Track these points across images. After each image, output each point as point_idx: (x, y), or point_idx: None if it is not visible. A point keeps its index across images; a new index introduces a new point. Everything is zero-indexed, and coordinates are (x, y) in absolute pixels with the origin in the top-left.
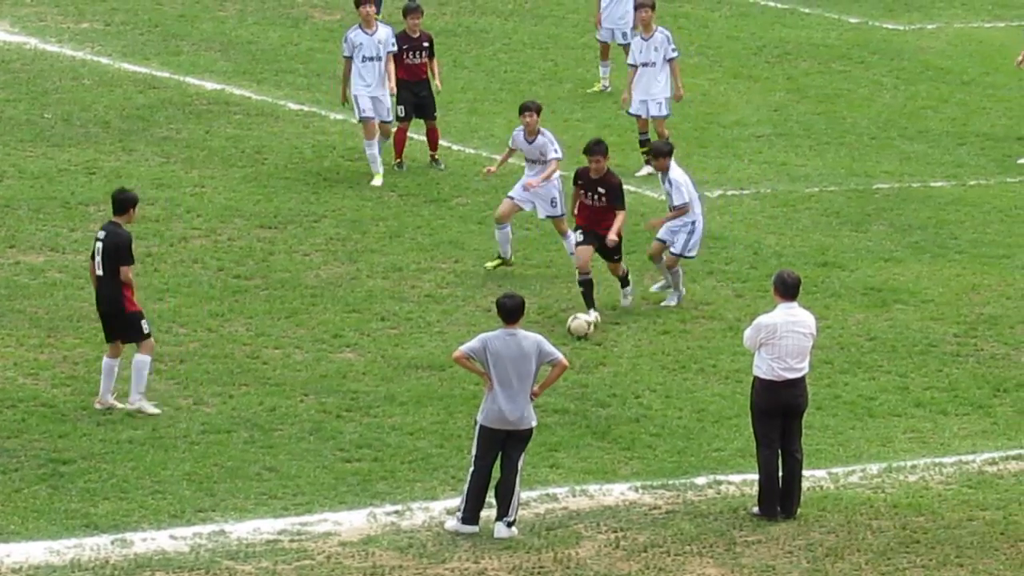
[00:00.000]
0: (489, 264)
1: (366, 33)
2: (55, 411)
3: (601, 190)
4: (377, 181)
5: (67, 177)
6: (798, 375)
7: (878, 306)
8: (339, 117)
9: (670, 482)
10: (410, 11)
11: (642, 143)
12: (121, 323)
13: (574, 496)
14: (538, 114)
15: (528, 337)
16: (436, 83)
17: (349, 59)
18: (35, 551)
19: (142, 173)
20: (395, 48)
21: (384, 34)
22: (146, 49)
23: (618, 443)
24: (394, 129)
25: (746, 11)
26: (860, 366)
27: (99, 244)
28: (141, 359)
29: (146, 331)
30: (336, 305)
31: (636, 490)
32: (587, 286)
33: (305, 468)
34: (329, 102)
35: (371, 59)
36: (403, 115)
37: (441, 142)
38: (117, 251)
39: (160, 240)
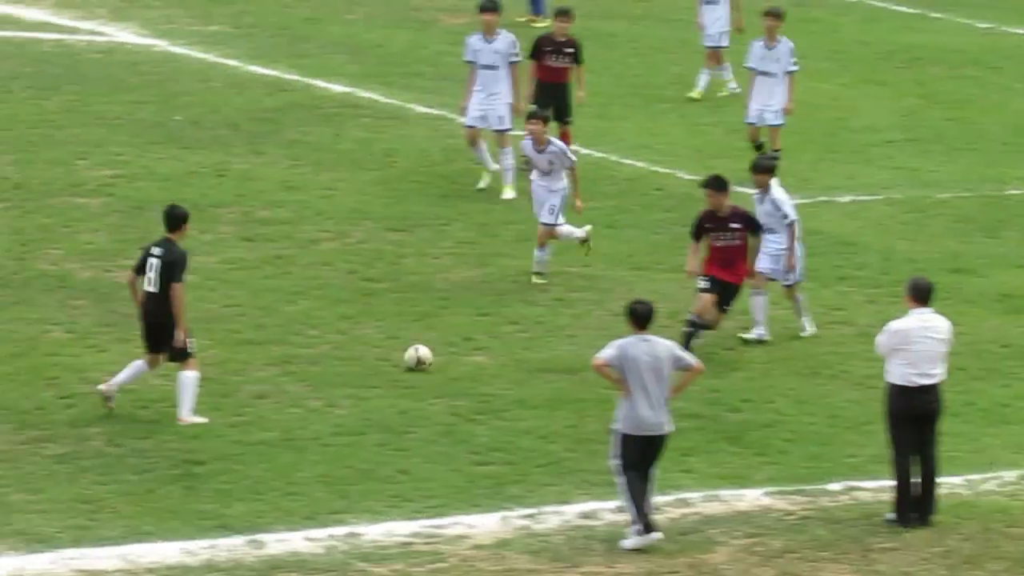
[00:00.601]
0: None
1: (485, 41)
2: None
3: (735, 225)
4: (508, 194)
5: (197, 180)
6: (932, 381)
7: (1012, 312)
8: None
9: (804, 488)
10: (560, 14)
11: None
12: (168, 338)
13: (708, 501)
14: (546, 123)
15: (661, 342)
16: (580, 93)
17: (471, 64)
18: (169, 551)
19: (271, 175)
20: (518, 58)
21: (504, 43)
22: (274, 52)
23: (751, 448)
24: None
25: (875, 16)
26: (995, 373)
27: (153, 260)
28: (189, 375)
29: (191, 350)
30: (467, 308)
31: (770, 495)
32: (696, 330)
33: (437, 471)
34: (457, 105)
35: (487, 67)
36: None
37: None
38: (171, 268)
39: (290, 243)
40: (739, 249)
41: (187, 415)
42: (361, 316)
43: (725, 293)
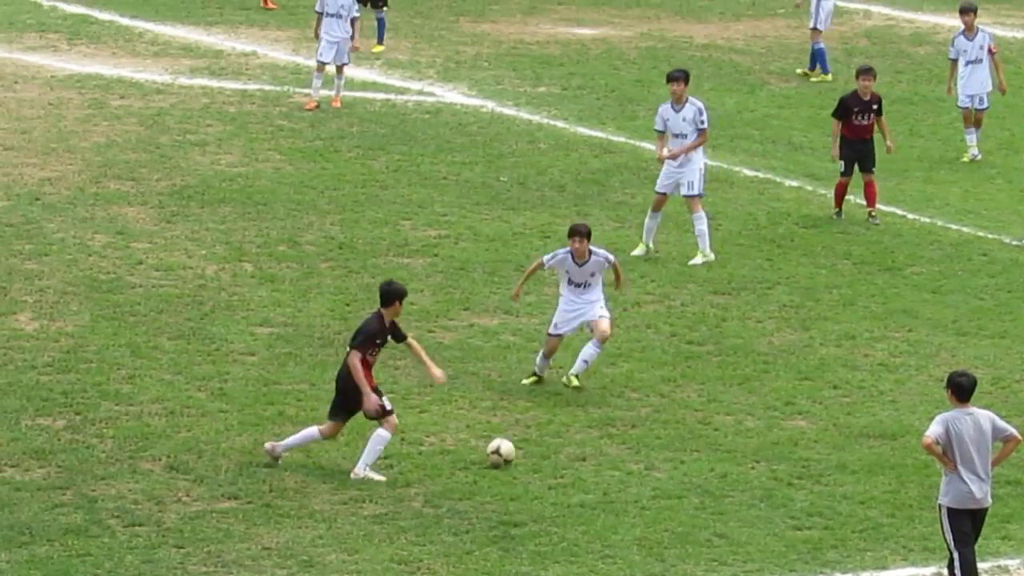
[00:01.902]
0: (525, 381)
1: (674, 109)
2: (507, 473)
3: None
4: (638, 251)
5: (522, 240)
6: None
7: None
8: (794, 184)
9: None
10: (863, 72)
11: None
12: (355, 403)
13: None
14: (589, 238)
15: (983, 415)
16: (888, 143)
17: (661, 133)
18: None
19: (597, 237)
20: (705, 124)
21: (691, 112)
22: (602, 114)
23: None
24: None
25: None
26: None
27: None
28: (382, 433)
29: (388, 408)
30: (788, 372)
31: None
32: None
33: (755, 535)
34: (784, 168)
35: (677, 136)
36: (844, 170)
37: (895, 210)
38: (354, 335)
39: (614, 304)
40: None
41: (361, 469)
42: (682, 379)
43: None
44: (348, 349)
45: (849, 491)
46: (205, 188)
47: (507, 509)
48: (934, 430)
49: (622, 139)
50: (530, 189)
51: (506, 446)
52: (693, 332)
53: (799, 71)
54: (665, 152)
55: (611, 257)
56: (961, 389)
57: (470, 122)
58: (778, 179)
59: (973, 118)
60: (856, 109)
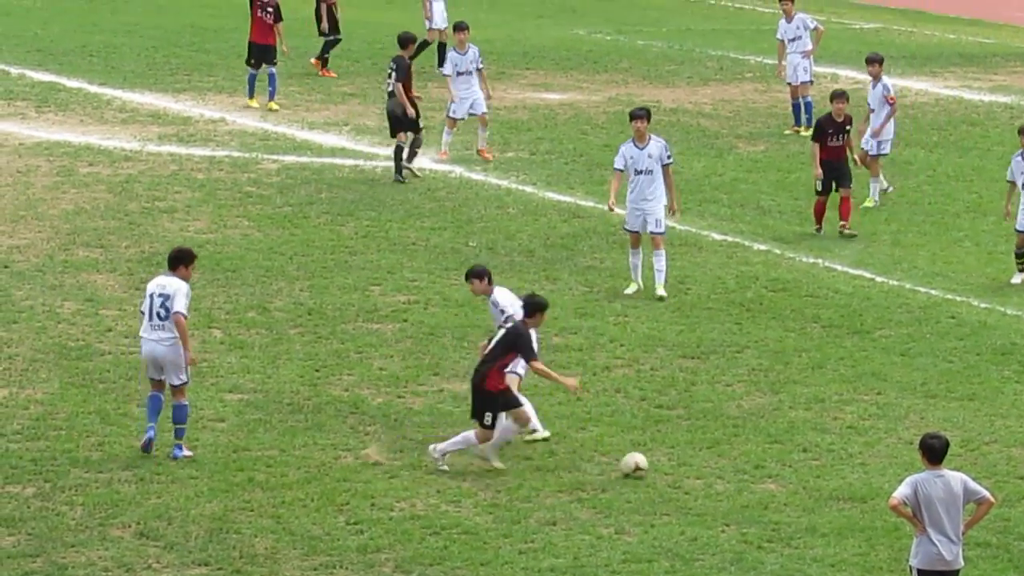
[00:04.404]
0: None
1: (637, 147)
2: (477, 538)
3: None
4: (630, 289)
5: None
6: None
7: None
8: (762, 247)
9: None
10: (837, 96)
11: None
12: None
13: None
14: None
15: (954, 476)
16: (855, 157)
17: (619, 171)
18: None
19: (565, 302)
20: (672, 160)
21: (656, 148)
22: (571, 178)
23: None
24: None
25: None
26: None
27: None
28: (469, 436)
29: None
30: (758, 436)
31: None
32: None
33: None
34: (753, 232)
35: (641, 172)
36: (821, 190)
37: (864, 273)
38: (522, 347)
39: (583, 369)
40: None
41: (440, 448)
42: (652, 443)
43: None
44: (527, 362)
45: (819, 554)
46: None
47: (478, 574)
48: (902, 491)
49: (591, 204)
50: (499, 254)
51: (634, 460)
52: (663, 396)
53: (788, 131)
54: (612, 202)
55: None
56: (933, 451)
57: (439, 187)
58: (746, 243)
59: (868, 163)
60: (831, 131)
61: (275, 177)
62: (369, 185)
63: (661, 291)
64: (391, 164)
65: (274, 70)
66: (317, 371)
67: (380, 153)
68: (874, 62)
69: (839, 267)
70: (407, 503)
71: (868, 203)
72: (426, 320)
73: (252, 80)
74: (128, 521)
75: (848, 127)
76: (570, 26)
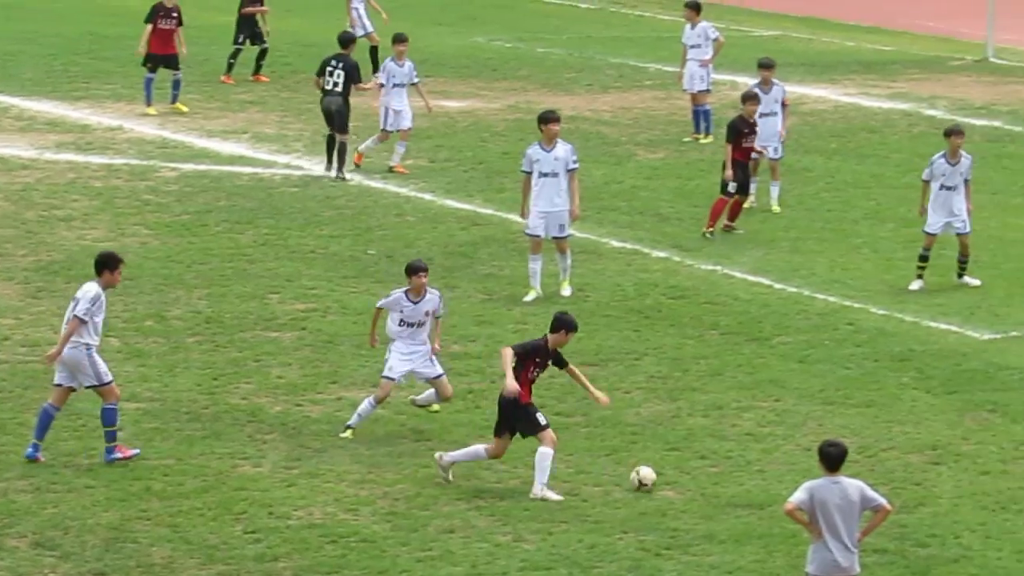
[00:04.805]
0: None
1: (544, 150)
2: (375, 547)
3: None
4: (530, 296)
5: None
6: None
7: None
8: (661, 255)
9: None
10: (748, 98)
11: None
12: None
13: None
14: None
15: (851, 484)
16: (759, 150)
17: (528, 175)
18: None
19: (464, 310)
20: (576, 165)
21: (563, 151)
22: (470, 186)
23: None
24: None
25: None
26: None
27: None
28: (545, 451)
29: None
30: (656, 443)
31: None
32: None
33: None
34: (652, 239)
35: (547, 175)
36: (734, 191)
37: (762, 280)
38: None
39: (482, 377)
40: None
41: (539, 490)
42: None
43: None
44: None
45: (717, 561)
46: (71, 263)
47: None
48: (797, 496)
49: (490, 211)
50: (398, 262)
51: (643, 473)
52: (561, 404)
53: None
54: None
55: (444, 307)
56: (830, 458)
57: (338, 195)
58: (646, 250)
59: (770, 168)
60: (745, 131)
61: (173, 185)
62: (268, 193)
63: (566, 290)
64: (289, 172)
65: (179, 75)
66: (215, 380)
67: (279, 161)
68: (770, 67)
69: (738, 274)
70: (305, 512)
71: (775, 208)
72: (324, 328)
73: (149, 86)
74: (24, 531)
75: (759, 128)
76: (470, 34)
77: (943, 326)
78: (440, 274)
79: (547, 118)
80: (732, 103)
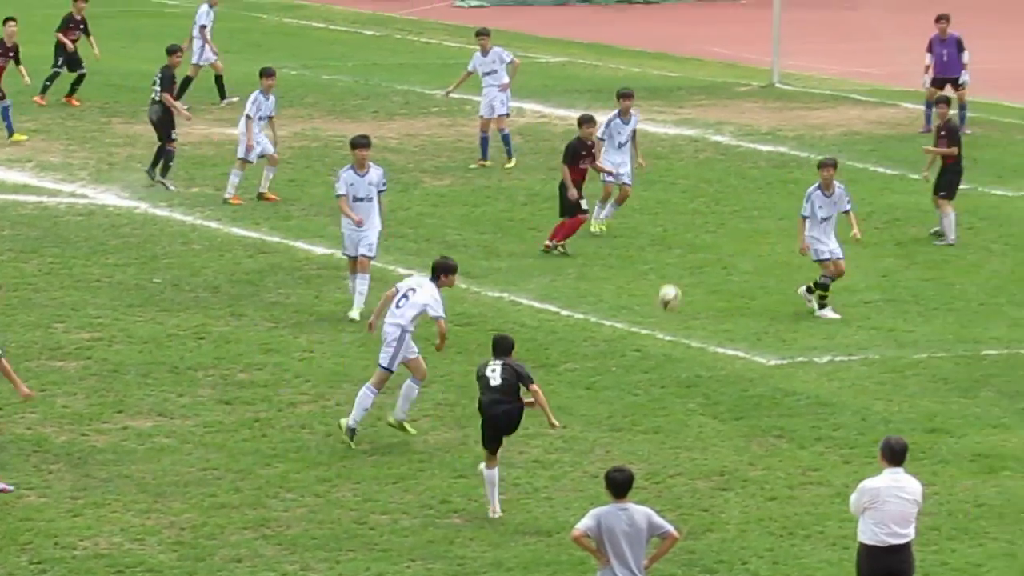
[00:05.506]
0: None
1: (358, 174)
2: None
3: None
4: (354, 314)
5: (176, 342)
6: (902, 541)
7: (986, 472)
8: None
9: None
10: (585, 121)
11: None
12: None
13: None
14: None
15: (639, 511)
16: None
17: (342, 197)
18: None
19: (251, 338)
20: (384, 188)
21: (376, 175)
22: (256, 214)
23: None
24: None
25: (855, 177)
26: (968, 533)
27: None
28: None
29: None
30: (444, 470)
31: None
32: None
33: None
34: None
35: (361, 200)
36: (586, 207)
37: (549, 307)
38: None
39: (268, 405)
40: None
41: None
42: (338, 479)
43: None
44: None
45: None
46: None
47: None
48: (584, 523)
49: (276, 239)
50: (184, 290)
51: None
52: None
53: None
54: (359, 219)
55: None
56: (617, 485)
57: (123, 223)
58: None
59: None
60: (583, 153)
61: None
62: (53, 222)
63: (355, 314)
64: (74, 200)
65: (8, 103)
66: (1, 410)
67: (64, 189)
68: (629, 96)
69: (525, 301)
70: (91, 542)
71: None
72: (110, 357)
73: (6, 113)
74: None
75: (595, 150)
76: (255, 61)
77: (730, 352)
78: (227, 302)
79: (358, 143)
80: (516, 129)
